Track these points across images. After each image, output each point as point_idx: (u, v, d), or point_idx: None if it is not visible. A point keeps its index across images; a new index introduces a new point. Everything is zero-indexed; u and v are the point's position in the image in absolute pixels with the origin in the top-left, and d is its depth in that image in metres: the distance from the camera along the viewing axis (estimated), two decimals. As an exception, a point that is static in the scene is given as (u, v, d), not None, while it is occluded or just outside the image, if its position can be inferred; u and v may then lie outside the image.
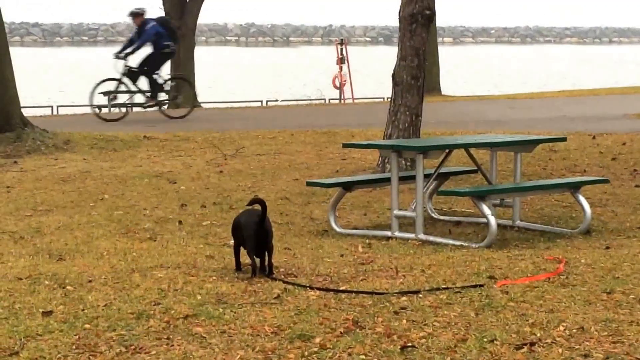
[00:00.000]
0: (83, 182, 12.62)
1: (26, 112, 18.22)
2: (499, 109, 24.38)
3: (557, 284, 6.69)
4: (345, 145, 10.63)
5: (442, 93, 34.05)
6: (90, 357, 5.20)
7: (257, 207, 7.32)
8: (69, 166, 14.15)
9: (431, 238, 8.91)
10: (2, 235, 9.09)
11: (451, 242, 8.74)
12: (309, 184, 10.23)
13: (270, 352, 5.25)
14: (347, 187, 9.78)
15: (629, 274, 6.93)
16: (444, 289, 6.57)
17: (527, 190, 9.90)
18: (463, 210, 10.59)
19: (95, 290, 6.67)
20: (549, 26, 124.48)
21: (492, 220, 8.59)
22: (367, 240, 8.84)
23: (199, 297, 6.47)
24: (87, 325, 5.76)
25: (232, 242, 8.66)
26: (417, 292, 6.49)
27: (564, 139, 11.25)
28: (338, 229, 9.45)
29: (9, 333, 5.61)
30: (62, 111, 29.74)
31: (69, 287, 6.75)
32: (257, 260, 7.19)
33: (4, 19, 16.99)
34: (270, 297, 6.46)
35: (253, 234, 7.18)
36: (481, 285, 6.64)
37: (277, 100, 34.72)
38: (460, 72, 58.60)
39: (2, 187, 12.20)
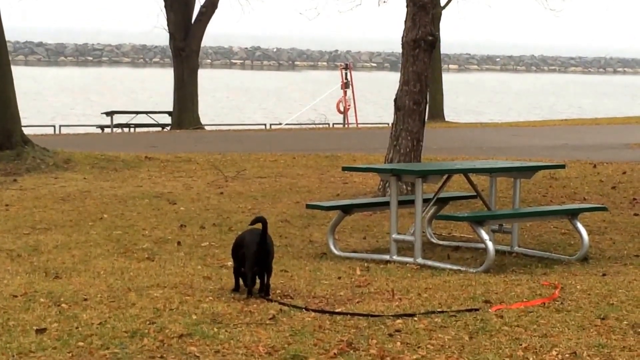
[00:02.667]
0: (83, 201, 12.63)
1: (28, 131, 18.29)
2: (502, 137, 24.41)
3: (552, 309, 6.69)
4: (345, 169, 10.63)
5: (446, 119, 34.12)
6: (83, 374, 5.21)
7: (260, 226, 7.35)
8: (69, 185, 14.16)
9: (429, 262, 8.90)
10: (0, 253, 9.10)
11: (449, 266, 8.73)
12: (308, 206, 10.23)
13: (262, 373, 5.26)
14: (347, 210, 9.78)
15: (623, 301, 6.94)
16: (440, 312, 6.57)
17: (526, 217, 9.90)
18: (462, 235, 10.59)
19: (90, 308, 6.67)
20: (554, 55, 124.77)
21: (490, 246, 8.59)
22: (365, 264, 8.83)
23: (194, 316, 6.48)
24: (80, 343, 5.76)
25: (230, 263, 8.67)
26: (412, 315, 6.49)
27: (562, 166, 11.26)
28: (337, 252, 9.45)
29: (1, 350, 5.62)
30: (64, 130, 29.85)
31: (64, 305, 6.75)
32: (257, 281, 7.21)
33: (8, 38, 17.06)
34: (266, 317, 6.46)
35: (253, 254, 7.19)
36: (476, 310, 6.64)
37: (280, 124, 34.81)
38: (465, 99, 58.71)
39: (1, 205, 12.20)
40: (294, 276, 8.08)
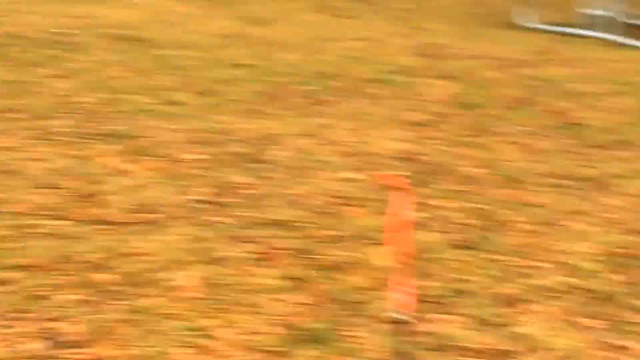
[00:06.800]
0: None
1: None
2: None
3: None
4: None
5: None
6: (276, 103, 5.64)
7: None
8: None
9: (619, 39, 8.85)
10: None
11: (639, 44, 8.66)
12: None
13: (436, 116, 5.55)
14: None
15: None
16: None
17: None
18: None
19: (287, 51, 7.08)
20: None
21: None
22: (552, 35, 8.88)
23: (380, 65, 6.78)
24: (273, 79, 6.20)
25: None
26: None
27: None
28: (525, 23, 9.49)
29: (201, 80, 6.09)
30: None
31: (262, 47, 7.19)
32: None
33: None
34: (446, 69, 6.69)
35: None
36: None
37: None
38: None
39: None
40: (479, 39, 8.23)
